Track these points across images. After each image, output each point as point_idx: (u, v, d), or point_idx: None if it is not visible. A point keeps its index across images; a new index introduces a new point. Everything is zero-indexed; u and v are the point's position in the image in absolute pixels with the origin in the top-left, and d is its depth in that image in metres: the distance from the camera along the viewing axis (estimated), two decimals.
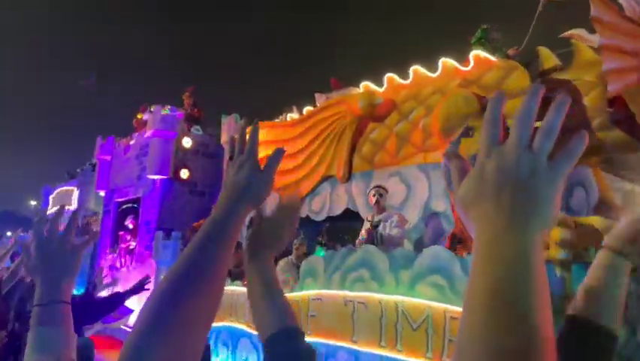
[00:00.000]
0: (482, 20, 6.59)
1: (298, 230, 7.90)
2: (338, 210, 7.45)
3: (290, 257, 6.62)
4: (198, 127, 10.77)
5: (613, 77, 4.13)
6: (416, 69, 6.43)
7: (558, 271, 3.90)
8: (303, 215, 8.16)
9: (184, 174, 10.16)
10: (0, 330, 2.62)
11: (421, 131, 6.13)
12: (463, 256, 4.40)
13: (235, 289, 7.01)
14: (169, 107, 10.20)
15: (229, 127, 9.97)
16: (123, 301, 6.45)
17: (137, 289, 6.57)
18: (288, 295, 6.09)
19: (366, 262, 5.09)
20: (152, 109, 10.24)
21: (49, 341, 1.10)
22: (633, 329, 3.28)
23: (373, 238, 5.85)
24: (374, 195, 6.07)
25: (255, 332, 6.69)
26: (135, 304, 7.10)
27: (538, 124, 0.59)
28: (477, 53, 5.66)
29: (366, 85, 7.08)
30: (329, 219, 8.15)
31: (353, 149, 7.13)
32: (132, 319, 9.36)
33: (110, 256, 11.48)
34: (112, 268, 11.41)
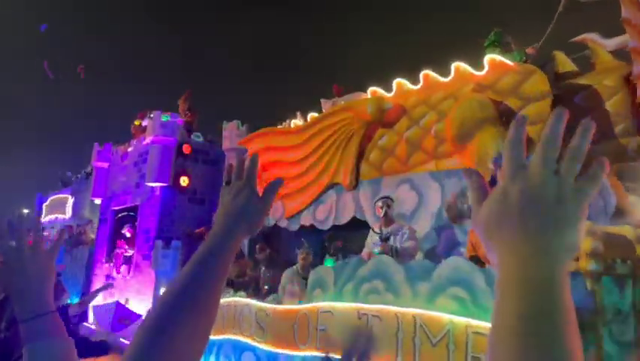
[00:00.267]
0: (487, 23, 6.47)
1: (302, 239, 7.70)
2: (344, 219, 7.24)
3: (295, 267, 6.39)
4: (199, 134, 10.56)
5: None
6: (427, 74, 6.26)
7: (588, 284, 3.70)
8: (308, 224, 7.95)
9: (184, 181, 9.92)
10: None
11: (433, 137, 5.94)
12: (485, 268, 4.20)
13: (238, 301, 6.76)
14: (169, 113, 9.98)
15: (231, 133, 9.76)
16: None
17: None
18: (295, 306, 5.86)
19: (380, 272, 4.88)
20: (151, 115, 10.02)
21: (47, 357, 1.06)
22: None
23: (388, 252, 5.64)
24: (382, 207, 5.87)
25: (259, 346, 6.45)
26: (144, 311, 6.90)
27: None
28: (492, 57, 5.49)
29: (374, 90, 6.90)
30: (332, 227, 7.93)
31: (360, 155, 6.94)
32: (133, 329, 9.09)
33: (107, 265, 11.19)
34: (108, 277, 11.11)
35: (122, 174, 11.28)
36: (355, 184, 7.02)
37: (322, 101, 8.13)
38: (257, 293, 7.02)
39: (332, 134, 7.21)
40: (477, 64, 5.89)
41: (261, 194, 0.93)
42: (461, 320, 4.10)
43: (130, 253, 10.40)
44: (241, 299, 6.77)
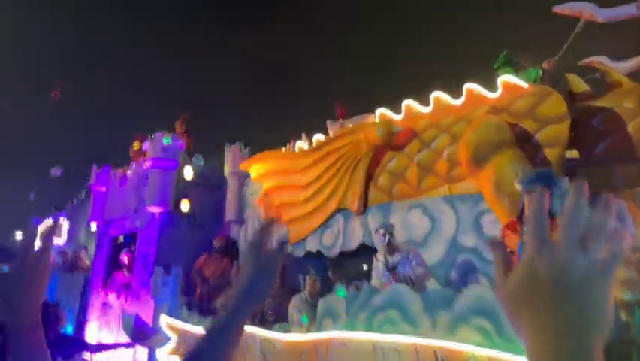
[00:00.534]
0: (493, 44, 6.41)
1: (308, 266, 7.47)
2: (352, 246, 7.03)
3: (302, 294, 6.15)
4: (200, 157, 10.38)
5: None
6: (437, 96, 6.15)
7: (623, 315, 3.51)
8: (314, 250, 7.73)
9: (184, 206, 9.70)
10: None
11: (446, 161, 5.79)
12: None
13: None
14: (171, 135, 9.82)
15: (233, 156, 9.59)
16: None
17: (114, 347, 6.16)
18: (303, 337, 5.60)
19: (395, 302, 4.66)
20: (152, 137, 9.85)
21: None
22: None
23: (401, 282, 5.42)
24: (384, 235, 5.70)
25: None
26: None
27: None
28: (506, 79, 5.39)
29: (382, 113, 6.78)
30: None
31: (369, 179, 6.77)
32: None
33: (103, 293, 10.85)
34: (105, 305, 10.76)
35: (120, 198, 11.04)
36: (364, 209, 6.83)
37: (328, 123, 7.99)
38: (262, 322, 6.76)
39: (339, 158, 7.06)
40: (488, 86, 5.80)
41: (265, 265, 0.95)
42: (485, 353, 3.88)
43: (128, 277, 10.09)
44: (245, 329, 6.49)
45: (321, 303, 5.54)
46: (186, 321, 7.93)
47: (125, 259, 10.03)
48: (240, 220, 9.40)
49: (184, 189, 9.88)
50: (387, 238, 5.56)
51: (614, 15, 5.48)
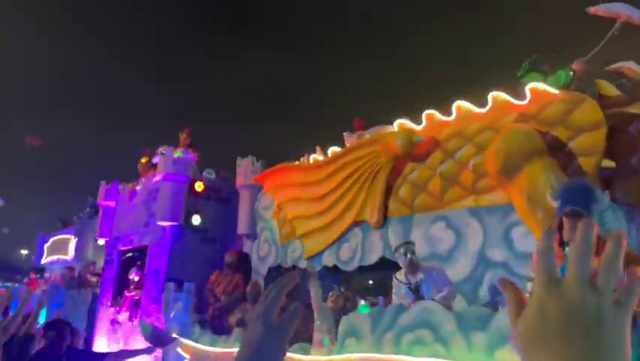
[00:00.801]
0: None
1: (321, 279, 7.20)
2: (371, 259, 6.77)
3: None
4: (211, 171, 10.19)
5: None
6: (460, 105, 5.94)
7: None
8: (330, 264, 7.48)
9: (196, 220, 9.48)
10: None
11: (472, 172, 5.56)
12: None
13: None
14: (182, 149, 9.65)
15: (245, 170, 9.40)
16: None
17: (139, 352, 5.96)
18: (325, 358, 5.33)
19: (426, 321, 4.40)
20: (162, 151, 9.67)
21: None
22: None
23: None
24: (405, 253, 5.43)
25: None
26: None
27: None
28: (534, 86, 5.17)
29: (401, 123, 6.57)
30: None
31: (389, 191, 6.54)
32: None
33: (112, 310, 10.61)
34: (114, 322, 10.51)
35: (129, 213, 10.85)
36: (383, 222, 6.59)
37: (345, 134, 7.78)
38: None
39: (357, 169, 6.83)
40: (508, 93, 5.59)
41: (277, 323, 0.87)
42: None
43: (138, 294, 9.86)
44: None
45: (344, 322, 5.28)
46: (198, 340, 7.68)
47: (135, 277, 9.79)
48: (253, 234, 9.17)
49: (195, 203, 9.67)
50: (408, 256, 5.30)
51: None
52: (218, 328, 7.97)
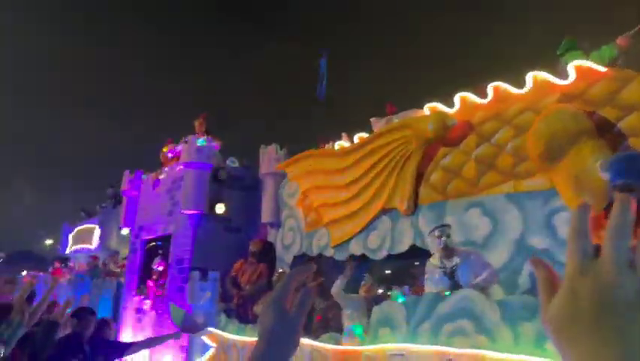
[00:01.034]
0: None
1: (352, 267, 7.03)
2: (401, 248, 6.57)
3: (359, 300, 5.71)
4: (234, 159, 10.08)
5: None
6: (497, 86, 5.67)
7: None
8: (358, 253, 7.30)
9: (220, 208, 9.38)
10: None
11: (510, 155, 5.30)
12: None
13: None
14: (205, 137, 9.54)
15: (269, 158, 9.25)
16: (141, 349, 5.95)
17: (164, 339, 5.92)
18: (358, 348, 5.17)
19: (467, 310, 4.19)
20: (186, 139, 9.58)
21: None
22: None
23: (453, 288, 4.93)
24: (439, 236, 5.21)
25: None
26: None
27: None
28: (579, 64, 4.88)
29: (433, 106, 6.32)
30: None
31: (420, 177, 6.31)
32: None
33: (137, 298, 10.62)
34: (139, 311, 10.53)
35: (153, 203, 10.81)
36: (414, 209, 6.38)
37: (373, 120, 7.56)
38: (307, 330, 6.36)
39: (386, 155, 6.61)
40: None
41: (290, 308, 0.86)
42: None
43: (161, 285, 9.83)
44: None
45: (376, 311, 5.11)
46: (224, 329, 7.59)
47: (159, 267, 9.76)
48: (277, 223, 9.04)
49: (218, 191, 9.57)
50: (443, 240, 5.08)
51: None
52: (243, 317, 7.87)
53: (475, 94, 5.96)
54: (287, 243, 8.67)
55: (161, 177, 10.68)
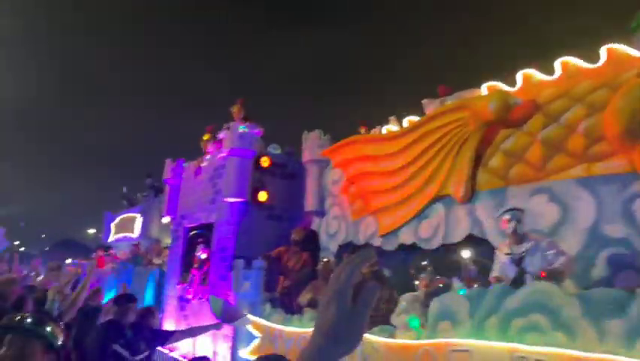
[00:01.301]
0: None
1: (392, 259, 6.71)
2: (457, 237, 6.22)
3: (417, 293, 5.41)
4: (276, 145, 9.86)
5: None
6: (566, 61, 5.22)
7: None
8: (409, 242, 6.98)
9: (262, 196, 9.20)
10: None
11: (582, 136, 4.86)
12: None
13: None
14: (247, 123, 9.35)
15: (312, 144, 8.99)
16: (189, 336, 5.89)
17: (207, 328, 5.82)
18: (413, 341, 4.88)
19: (541, 304, 3.83)
20: (228, 126, 9.42)
21: None
22: None
23: (517, 280, 4.55)
24: (510, 220, 4.82)
25: None
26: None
27: None
28: None
29: (492, 85, 5.91)
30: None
31: (477, 162, 5.93)
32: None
33: (180, 287, 10.61)
34: (181, 299, 10.52)
35: (195, 191, 10.74)
36: (471, 196, 6.00)
37: (425, 101, 7.17)
38: None
39: (440, 138, 6.23)
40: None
41: (353, 302, 0.80)
42: None
43: (204, 274, 9.76)
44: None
45: (435, 304, 4.79)
46: (269, 319, 7.42)
47: (202, 255, 9.68)
48: (321, 211, 8.80)
49: (261, 179, 9.39)
50: (513, 224, 4.69)
51: None
52: (288, 306, 7.69)
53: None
54: (331, 231, 8.42)
55: (203, 164, 10.58)
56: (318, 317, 0.83)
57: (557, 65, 5.26)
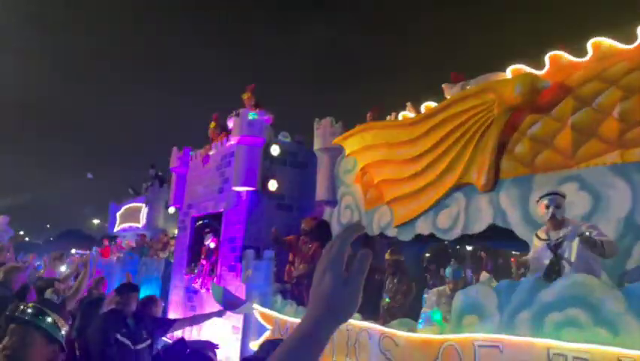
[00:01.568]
0: None
1: (403, 250, 6.48)
2: (478, 228, 5.96)
3: (443, 288, 5.17)
4: (286, 133, 9.61)
5: None
6: (598, 42, 4.93)
7: None
8: (426, 232, 6.73)
9: (272, 185, 8.97)
10: (63, 351, 2.45)
11: (617, 121, 4.59)
12: None
13: (351, 325, 5.62)
14: (257, 110, 9.10)
15: (324, 132, 8.72)
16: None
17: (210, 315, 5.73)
18: (438, 336, 4.65)
19: (579, 298, 3.59)
20: (237, 112, 9.16)
21: None
22: None
23: (552, 268, 4.29)
24: (548, 205, 4.51)
25: None
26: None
27: None
28: None
29: (517, 68, 5.63)
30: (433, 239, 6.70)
31: (501, 149, 5.66)
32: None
33: (187, 277, 10.43)
34: (188, 289, 10.34)
35: (203, 180, 10.52)
36: (493, 184, 5.74)
37: (445, 86, 6.88)
38: (374, 312, 5.89)
39: (461, 124, 5.96)
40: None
41: (347, 272, 0.82)
42: None
43: (212, 264, 9.57)
44: (355, 322, 5.62)
45: (461, 296, 4.56)
46: (281, 310, 7.22)
47: (211, 244, 9.47)
48: (333, 201, 8.56)
49: (270, 167, 9.15)
50: (551, 210, 4.40)
51: None
52: (298, 298, 7.49)
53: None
54: (344, 221, 8.18)
55: (211, 153, 10.35)
56: (313, 289, 0.84)
57: (589, 46, 4.97)
